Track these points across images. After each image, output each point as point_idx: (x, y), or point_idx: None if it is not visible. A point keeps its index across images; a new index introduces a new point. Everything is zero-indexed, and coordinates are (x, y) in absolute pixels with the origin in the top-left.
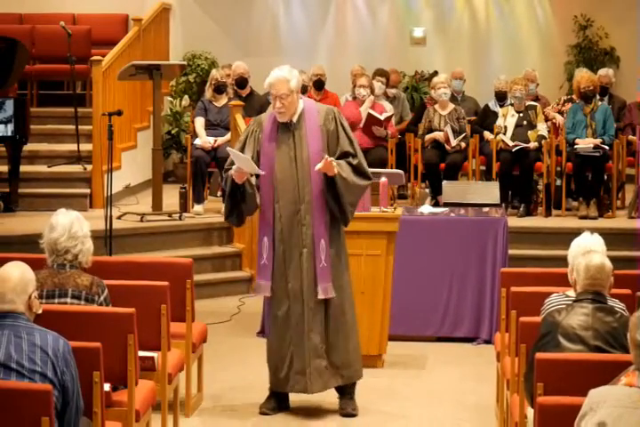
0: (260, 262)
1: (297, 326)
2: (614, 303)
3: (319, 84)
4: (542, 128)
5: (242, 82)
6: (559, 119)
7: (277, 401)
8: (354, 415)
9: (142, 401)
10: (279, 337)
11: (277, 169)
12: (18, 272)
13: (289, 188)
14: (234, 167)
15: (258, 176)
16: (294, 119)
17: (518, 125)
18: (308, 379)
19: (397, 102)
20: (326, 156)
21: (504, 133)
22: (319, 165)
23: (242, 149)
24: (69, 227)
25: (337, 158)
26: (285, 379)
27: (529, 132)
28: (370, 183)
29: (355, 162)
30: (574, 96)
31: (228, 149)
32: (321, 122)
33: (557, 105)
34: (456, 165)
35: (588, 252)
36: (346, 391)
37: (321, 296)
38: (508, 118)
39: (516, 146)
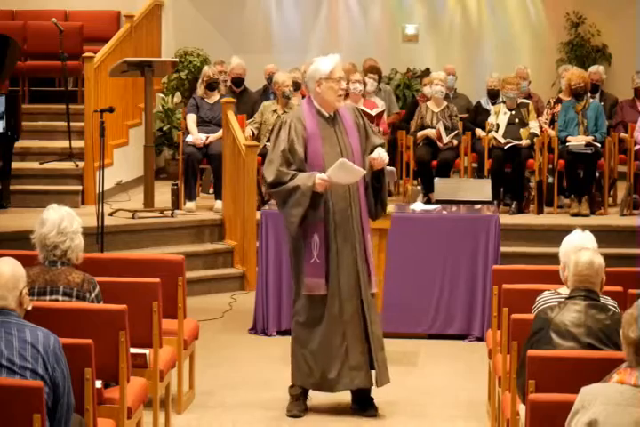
0: (310, 261)
1: (352, 322)
2: (606, 301)
3: None
4: (534, 126)
5: (238, 82)
6: (552, 135)
7: (305, 402)
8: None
9: (134, 398)
10: (330, 337)
11: (327, 166)
12: (9, 268)
13: (340, 184)
14: (323, 176)
15: None
16: (331, 113)
17: (510, 123)
18: (377, 371)
19: (384, 95)
20: (379, 151)
21: (496, 131)
22: (376, 160)
23: (292, 146)
24: (59, 222)
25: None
26: (338, 378)
27: (521, 129)
28: None
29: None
30: (561, 95)
31: (344, 160)
32: (352, 118)
33: (550, 109)
34: (448, 163)
35: (580, 249)
36: (369, 395)
37: (374, 290)
38: (500, 116)
39: (507, 143)
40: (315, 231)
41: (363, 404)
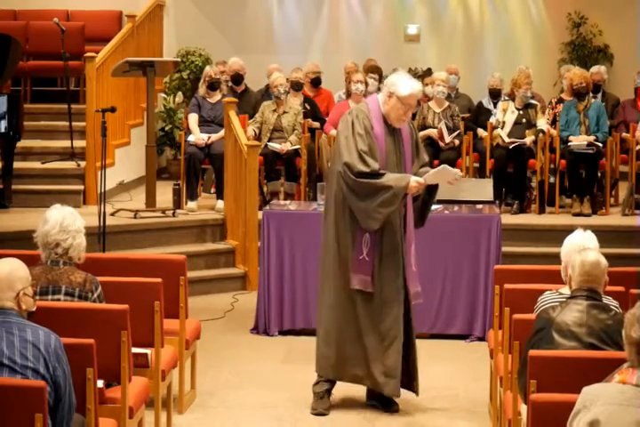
0: (359, 257)
1: (391, 329)
2: (608, 301)
3: (317, 82)
4: (541, 123)
5: (237, 78)
6: (554, 135)
7: (329, 399)
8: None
9: (135, 398)
10: (363, 336)
11: (386, 171)
12: (6, 269)
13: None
14: (417, 180)
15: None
16: None
17: (517, 123)
18: (411, 378)
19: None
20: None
21: (501, 128)
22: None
23: (369, 144)
24: (61, 220)
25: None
26: (366, 377)
27: (527, 131)
28: None
29: None
30: (563, 95)
31: (446, 166)
32: (409, 131)
33: (552, 109)
34: (450, 162)
35: (584, 249)
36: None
37: (414, 302)
38: (507, 114)
39: (512, 143)
40: (367, 230)
41: (381, 400)
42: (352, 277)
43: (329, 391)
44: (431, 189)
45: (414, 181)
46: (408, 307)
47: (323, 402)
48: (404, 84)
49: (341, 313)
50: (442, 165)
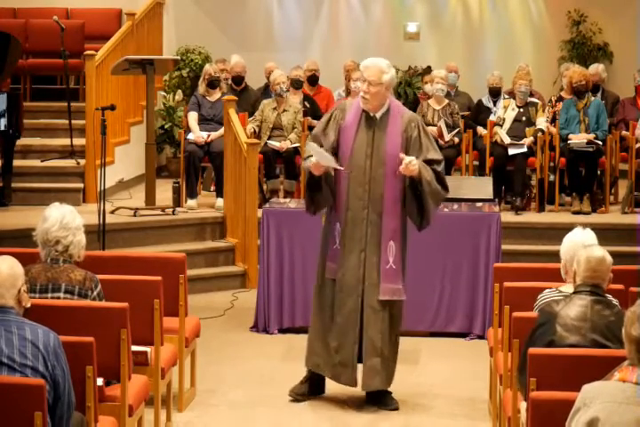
0: (333, 246)
1: (348, 320)
2: (610, 299)
3: (313, 79)
4: (541, 121)
5: (238, 80)
6: (554, 133)
7: (311, 386)
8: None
9: (135, 396)
10: (324, 324)
11: (351, 162)
12: (6, 266)
13: (359, 183)
14: (312, 160)
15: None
16: (377, 115)
17: (517, 120)
18: (364, 374)
19: None
20: (402, 155)
21: (501, 126)
22: (401, 167)
23: (324, 131)
24: (61, 218)
25: None
26: (333, 367)
27: (526, 128)
28: (446, 194)
29: (439, 169)
30: (563, 93)
31: (310, 144)
32: (403, 127)
33: (552, 107)
34: (449, 161)
35: (590, 245)
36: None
37: (382, 297)
38: (508, 111)
39: (510, 145)
40: (337, 220)
41: (381, 398)
42: (327, 266)
43: (312, 379)
44: (416, 185)
45: (309, 161)
46: (390, 303)
47: (301, 387)
48: (364, 61)
49: (315, 303)
50: (308, 143)
